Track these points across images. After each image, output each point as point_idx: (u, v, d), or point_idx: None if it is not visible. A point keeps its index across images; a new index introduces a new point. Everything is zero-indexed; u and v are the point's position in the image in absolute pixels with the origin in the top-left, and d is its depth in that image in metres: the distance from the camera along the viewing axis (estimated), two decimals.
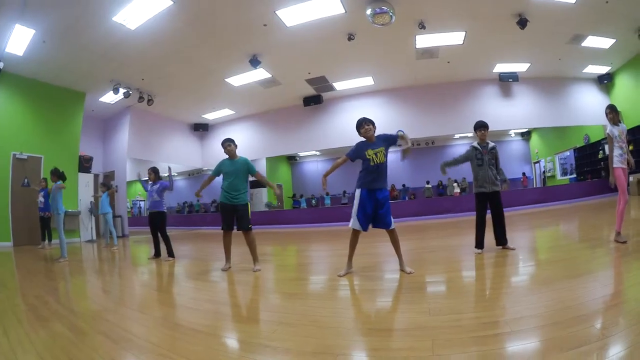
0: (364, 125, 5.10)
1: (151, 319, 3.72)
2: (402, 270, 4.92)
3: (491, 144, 6.24)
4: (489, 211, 6.18)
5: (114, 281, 6.26)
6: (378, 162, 4.99)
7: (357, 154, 5.12)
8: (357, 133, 5.18)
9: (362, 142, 5.16)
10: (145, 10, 10.52)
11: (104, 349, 2.86)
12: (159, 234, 8.54)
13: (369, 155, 4.99)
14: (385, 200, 5.03)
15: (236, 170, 6.35)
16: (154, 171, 8.77)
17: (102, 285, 5.86)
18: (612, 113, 6.05)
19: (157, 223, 8.54)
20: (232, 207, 6.28)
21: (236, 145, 6.57)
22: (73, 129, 15.52)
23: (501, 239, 6.10)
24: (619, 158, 5.91)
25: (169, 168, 9.22)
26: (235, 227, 6.33)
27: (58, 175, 8.96)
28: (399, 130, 5.34)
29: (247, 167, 6.43)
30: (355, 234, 5.10)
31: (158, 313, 3.92)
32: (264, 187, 24.10)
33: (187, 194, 28.34)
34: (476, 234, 6.18)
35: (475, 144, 6.31)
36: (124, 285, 5.85)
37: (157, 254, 8.55)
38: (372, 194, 5.00)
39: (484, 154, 6.14)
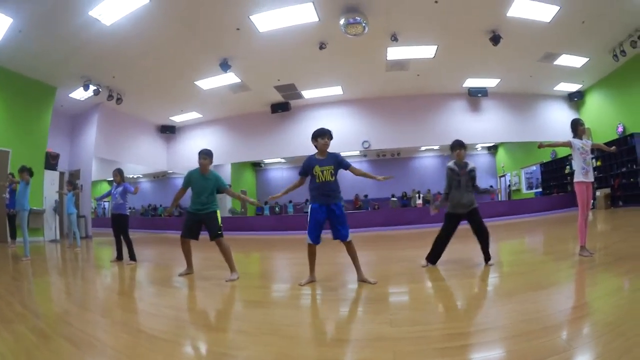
0: (325, 138, 5.00)
1: (112, 323, 3.62)
2: (362, 281, 4.84)
3: (470, 165, 5.87)
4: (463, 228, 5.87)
5: (76, 283, 6.13)
6: (324, 179, 4.92)
7: (306, 170, 5.05)
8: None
9: (311, 156, 5.09)
10: (121, 6, 10.37)
11: (67, 353, 2.80)
12: (122, 237, 8.35)
13: (316, 172, 4.93)
14: (340, 213, 4.95)
15: (206, 186, 6.10)
16: (119, 172, 8.53)
17: (65, 288, 5.74)
18: (583, 126, 6.30)
19: (119, 225, 8.36)
20: (199, 217, 6.05)
21: (211, 160, 6.25)
22: (42, 124, 15.16)
23: (487, 256, 5.61)
24: (580, 171, 5.96)
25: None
26: (198, 237, 6.14)
27: (30, 172, 9.10)
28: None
29: (218, 184, 6.20)
30: (310, 246, 4.99)
31: (119, 318, 3.82)
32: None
33: (151, 197, 28.03)
34: (432, 247, 5.90)
35: (451, 164, 5.91)
36: (86, 288, 5.68)
37: (120, 257, 8.31)
38: (323, 207, 4.93)
39: (462, 174, 5.77)
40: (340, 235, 4.93)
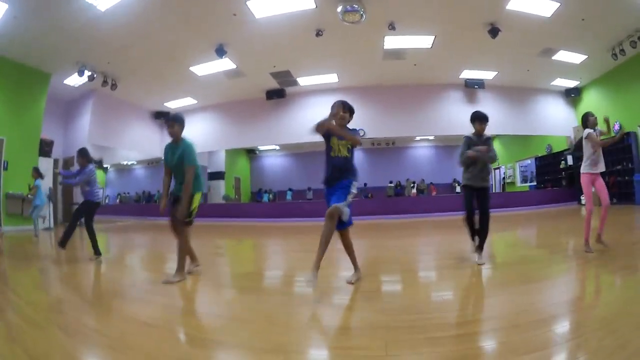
0: (339, 111, 4.31)
1: (104, 311, 3.60)
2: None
3: (487, 135, 5.66)
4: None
5: (68, 272, 6.07)
6: (339, 154, 4.29)
7: (321, 129, 4.26)
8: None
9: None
10: None
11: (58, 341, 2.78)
12: (86, 228, 7.15)
13: (333, 144, 4.29)
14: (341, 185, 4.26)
15: (174, 159, 4.96)
16: (82, 154, 7.19)
17: (52, 278, 5.70)
18: (594, 116, 5.97)
19: (86, 213, 7.20)
20: (176, 199, 4.98)
21: (182, 127, 5.09)
22: (36, 111, 15.05)
23: (480, 246, 5.34)
24: (587, 161, 5.79)
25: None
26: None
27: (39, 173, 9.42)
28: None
29: (184, 156, 4.91)
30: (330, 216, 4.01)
31: (111, 305, 3.79)
32: (222, 179, 23.90)
33: (146, 184, 27.86)
34: (470, 233, 5.50)
35: (470, 134, 5.65)
36: (80, 276, 5.66)
37: (98, 252, 7.06)
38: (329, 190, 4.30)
39: (479, 144, 5.47)
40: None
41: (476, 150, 5.33)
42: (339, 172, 4.28)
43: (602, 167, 5.77)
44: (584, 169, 5.81)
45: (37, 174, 10.88)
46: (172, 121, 5.03)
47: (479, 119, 5.58)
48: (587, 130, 5.82)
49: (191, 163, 4.89)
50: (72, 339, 2.82)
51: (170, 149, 5.06)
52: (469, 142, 5.54)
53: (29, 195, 11.23)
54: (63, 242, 6.90)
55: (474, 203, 5.45)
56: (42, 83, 15.20)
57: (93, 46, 13.30)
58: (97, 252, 6.93)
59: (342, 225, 4.27)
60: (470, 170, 5.50)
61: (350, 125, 4.38)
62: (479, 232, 5.38)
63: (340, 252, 4.58)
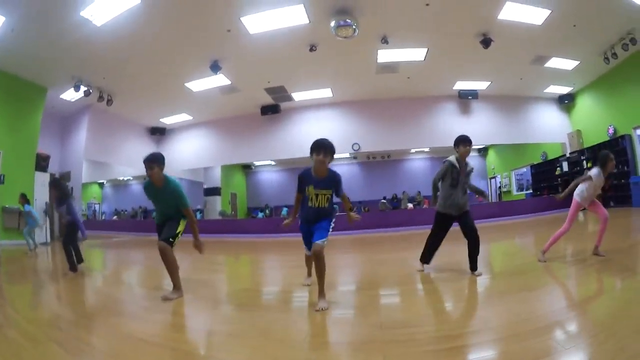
0: (320, 153, 4.03)
1: (101, 327, 3.60)
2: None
3: (470, 165, 5.47)
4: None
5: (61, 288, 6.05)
6: (317, 205, 4.20)
7: (301, 185, 4.29)
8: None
9: (308, 171, 4.25)
10: (112, 7, 10.31)
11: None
12: (69, 244, 7.07)
13: (309, 194, 4.19)
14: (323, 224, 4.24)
15: (162, 200, 4.90)
16: (55, 186, 7.37)
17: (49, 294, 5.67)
18: (614, 162, 5.92)
19: (69, 232, 7.24)
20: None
21: (162, 167, 4.84)
22: (32, 125, 15.03)
23: (474, 265, 5.17)
24: (583, 194, 5.80)
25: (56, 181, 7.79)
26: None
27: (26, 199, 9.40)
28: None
29: (175, 200, 4.84)
30: (307, 257, 4.72)
31: (108, 321, 3.77)
32: (218, 194, 23.85)
33: (142, 200, 27.55)
34: (425, 246, 5.61)
35: (453, 159, 5.39)
36: (75, 293, 5.66)
37: (80, 261, 7.23)
38: (308, 226, 4.31)
39: (461, 174, 5.33)
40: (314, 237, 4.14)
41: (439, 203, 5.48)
42: (316, 216, 4.25)
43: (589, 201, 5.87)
44: (577, 196, 5.88)
45: (24, 200, 10.62)
46: (152, 162, 4.69)
47: (462, 141, 5.38)
48: (595, 172, 5.76)
49: (187, 206, 4.85)
50: (70, 355, 2.83)
51: (152, 190, 4.87)
52: (451, 168, 5.37)
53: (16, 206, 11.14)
54: (72, 267, 6.91)
55: (447, 228, 5.49)
56: (39, 97, 15.19)
57: (89, 61, 13.32)
58: (72, 267, 6.93)
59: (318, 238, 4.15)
60: (448, 196, 5.35)
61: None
62: (471, 250, 5.21)
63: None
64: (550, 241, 5.73)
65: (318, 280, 4.02)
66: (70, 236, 7.25)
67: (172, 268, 4.71)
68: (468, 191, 5.46)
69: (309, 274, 4.91)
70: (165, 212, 4.91)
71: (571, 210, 5.83)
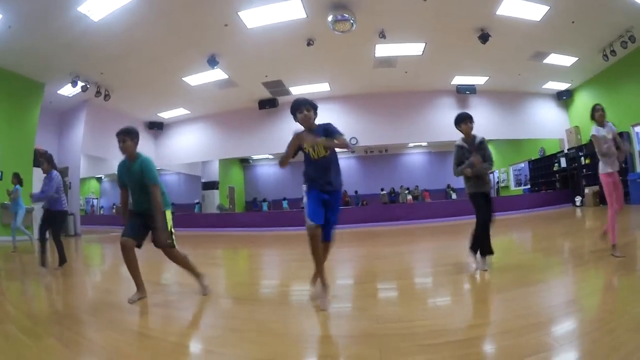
0: (303, 110, 4.06)
1: (100, 322, 3.59)
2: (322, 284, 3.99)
3: (479, 138, 5.37)
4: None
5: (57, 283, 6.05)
6: (316, 157, 3.99)
7: (291, 145, 4.07)
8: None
9: (299, 130, 4.11)
10: (109, 2, 10.28)
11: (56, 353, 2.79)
12: (53, 238, 6.85)
13: (307, 149, 4.02)
14: (336, 203, 4.03)
15: (132, 178, 4.40)
16: (49, 160, 6.98)
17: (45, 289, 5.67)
18: (601, 111, 5.58)
19: (50, 223, 6.95)
20: (143, 218, 4.42)
21: (136, 141, 4.47)
22: (30, 121, 15.03)
23: (487, 248, 5.19)
24: (603, 163, 5.48)
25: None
26: (142, 242, 4.51)
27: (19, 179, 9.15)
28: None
29: (143, 174, 4.31)
30: (313, 230, 3.77)
31: (107, 316, 3.77)
32: (216, 188, 23.89)
33: None
34: (474, 239, 5.24)
35: (459, 141, 5.42)
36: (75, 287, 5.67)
37: (63, 260, 6.86)
38: (322, 195, 3.92)
39: (472, 151, 5.23)
40: (329, 224, 3.99)
41: (469, 164, 5.14)
42: (324, 171, 4.00)
43: (617, 166, 5.47)
44: (601, 169, 5.52)
45: (17, 179, 10.37)
46: (124, 135, 4.37)
47: (463, 119, 5.35)
48: (593, 130, 5.61)
49: (154, 181, 4.30)
50: (68, 349, 2.84)
51: (125, 167, 4.47)
52: (461, 151, 5.33)
53: (8, 202, 10.96)
54: (63, 259, 6.78)
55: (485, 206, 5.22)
56: (36, 93, 15.16)
57: (86, 56, 13.29)
58: (62, 261, 6.80)
59: (329, 237, 4.10)
60: (472, 176, 5.22)
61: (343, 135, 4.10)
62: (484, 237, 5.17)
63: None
64: (610, 231, 5.27)
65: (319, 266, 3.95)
66: (55, 226, 7.01)
67: (185, 265, 4.61)
68: (490, 164, 5.26)
69: (315, 280, 4.17)
70: (139, 196, 4.43)
71: (605, 190, 5.49)
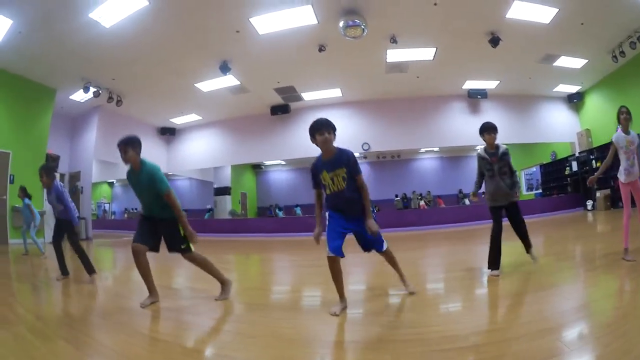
0: (323, 132, 3.75)
1: (111, 325, 3.62)
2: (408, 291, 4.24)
3: (502, 148, 5.27)
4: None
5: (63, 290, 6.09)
6: (335, 189, 3.77)
7: (314, 179, 3.93)
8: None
9: (316, 160, 3.93)
10: (121, 8, 10.33)
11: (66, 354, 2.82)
12: (72, 248, 6.47)
13: (325, 181, 3.81)
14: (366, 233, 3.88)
15: (141, 187, 4.43)
16: (45, 172, 6.46)
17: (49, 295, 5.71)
18: (626, 114, 5.30)
19: (62, 233, 6.61)
20: (154, 223, 4.45)
21: (138, 150, 4.53)
22: (42, 126, 15.15)
23: (527, 245, 5.48)
24: (622, 171, 5.34)
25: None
26: (158, 247, 4.58)
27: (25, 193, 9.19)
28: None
29: (153, 184, 4.31)
30: (331, 259, 3.66)
31: (118, 319, 3.79)
32: (228, 194, 23.87)
33: None
34: (489, 252, 5.24)
35: (481, 151, 5.36)
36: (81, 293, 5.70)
37: (65, 272, 6.47)
38: (343, 217, 3.81)
39: (494, 162, 5.21)
40: (369, 243, 4.07)
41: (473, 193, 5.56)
42: (346, 202, 3.82)
43: (635, 176, 5.32)
44: (620, 176, 5.45)
45: (24, 193, 10.19)
46: (124, 145, 4.40)
47: (486, 130, 5.27)
48: (614, 136, 5.44)
49: (167, 191, 4.28)
50: (79, 352, 2.88)
51: (132, 177, 4.50)
52: (482, 162, 5.34)
53: (19, 205, 10.95)
54: (91, 268, 6.33)
55: (503, 219, 5.31)
56: (48, 98, 15.30)
57: (98, 62, 13.38)
58: (91, 270, 6.30)
59: (381, 247, 4.23)
60: (492, 188, 5.28)
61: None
62: (521, 237, 5.47)
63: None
64: (624, 235, 5.23)
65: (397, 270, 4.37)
66: (68, 233, 6.57)
67: (207, 268, 4.58)
68: (514, 177, 5.31)
69: (342, 294, 3.87)
70: (149, 203, 4.43)
71: (622, 195, 5.43)
